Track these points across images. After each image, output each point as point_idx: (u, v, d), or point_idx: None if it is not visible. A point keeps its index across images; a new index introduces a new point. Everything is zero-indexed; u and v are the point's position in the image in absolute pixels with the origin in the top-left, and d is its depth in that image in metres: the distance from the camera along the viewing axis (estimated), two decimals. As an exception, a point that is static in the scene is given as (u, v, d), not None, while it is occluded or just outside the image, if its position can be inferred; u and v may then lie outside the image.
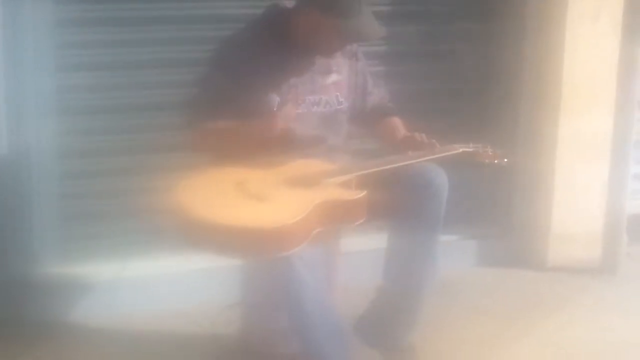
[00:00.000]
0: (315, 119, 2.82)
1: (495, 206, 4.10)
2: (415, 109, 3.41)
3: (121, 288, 3.41)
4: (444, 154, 2.76)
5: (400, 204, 2.76)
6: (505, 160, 2.90)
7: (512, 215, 4.09)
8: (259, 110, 2.70)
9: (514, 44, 3.91)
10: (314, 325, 2.61)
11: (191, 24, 3.48)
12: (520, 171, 3.92)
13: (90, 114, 3.44)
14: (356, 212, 2.58)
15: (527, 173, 3.97)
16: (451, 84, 3.98)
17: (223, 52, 2.79)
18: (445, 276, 3.20)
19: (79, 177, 3.47)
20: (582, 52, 3.77)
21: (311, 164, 2.70)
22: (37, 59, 3.30)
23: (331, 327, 2.64)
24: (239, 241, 2.38)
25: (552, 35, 3.80)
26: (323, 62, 2.84)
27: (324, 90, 2.83)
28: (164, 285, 3.45)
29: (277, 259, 2.43)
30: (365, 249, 3.51)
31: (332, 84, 2.86)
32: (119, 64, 3.44)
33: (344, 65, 2.90)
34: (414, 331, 2.94)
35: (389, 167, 2.69)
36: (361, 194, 2.57)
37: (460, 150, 2.82)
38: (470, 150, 2.85)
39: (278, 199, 2.51)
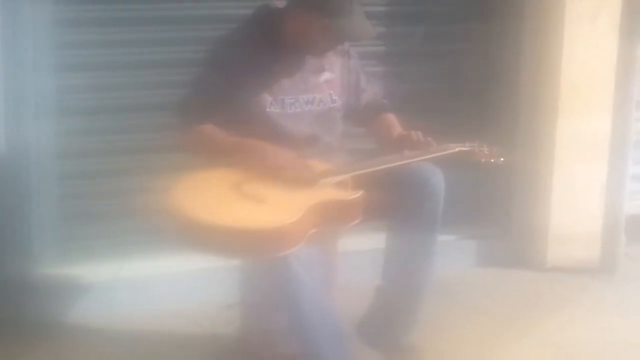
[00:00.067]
0: (309, 117, 2.81)
1: (494, 206, 4.10)
2: (414, 108, 3.42)
3: (120, 288, 3.41)
4: (440, 154, 2.76)
5: (397, 204, 2.76)
6: (502, 159, 2.90)
7: (511, 216, 4.09)
8: (251, 110, 2.71)
9: (513, 44, 3.91)
10: (312, 325, 2.61)
11: (191, 25, 3.48)
12: (519, 171, 3.92)
13: (90, 114, 3.44)
14: (352, 212, 2.58)
15: (526, 173, 3.97)
16: (449, 84, 3.98)
17: (214, 52, 2.79)
18: (444, 276, 3.20)
19: (78, 177, 3.47)
20: (581, 53, 3.77)
21: (307, 164, 2.70)
22: (37, 59, 3.30)
23: (329, 327, 2.63)
24: (236, 242, 2.38)
25: (550, 35, 3.80)
26: (315, 61, 2.83)
27: (316, 89, 2.83)
28: (163, 285, 3.45)
29: (274, 260, 2.43)
30: (363, 249, 3.51)
31: (324, 83, 2.85)
32: (118, 64, 3.44)
33: (336, 63, 2.89)
34: (415, 330, 2.94)
35: (385, 167, 2.69)
36: (357, 195, 2.57)
37: (457, 149, 2.81)
38: (467, 149, 2.85)
39: (274, 200, 2.51)
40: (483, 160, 2.87)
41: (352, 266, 3.28)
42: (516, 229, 4.07)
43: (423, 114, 3.33)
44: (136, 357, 3.12)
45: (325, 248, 2.82)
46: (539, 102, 3.90)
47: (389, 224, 2.87)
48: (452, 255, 3.70)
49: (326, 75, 2.86)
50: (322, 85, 2.84)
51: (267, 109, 2.73)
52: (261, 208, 2.47)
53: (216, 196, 2.52)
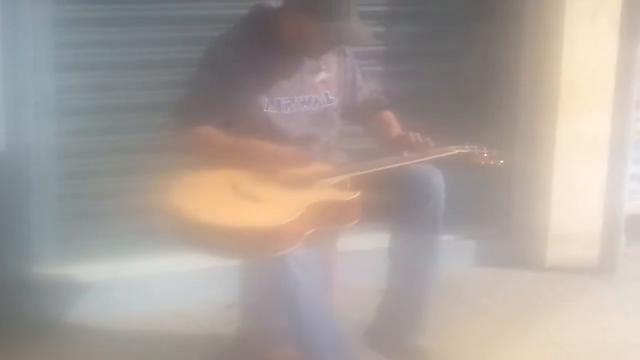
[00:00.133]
0: (305, 118, 2.81)
1: (493, 206, 4.10)
2: (413, 108, 3.42)
3: (120, 288, 3.40)
4: (439, 156, 2.76)
5: (398, 206, 2.76)
6: (501, 161, 2.90)
7: (511, 216, 4.09)
8: (248, 111, 2.71)
9: (512, 43, 3.91)
10: (310, 325, 2.60)
11: (190, 25, 3.48)
12: (518, 171, 3.92)
13: (89, 114, 3.44)
14: (350, 213, 2.57)
15: (526, 173, 3.97)
16: (449, 84, 3.98)
17: (210, 53, 2.78)
18: (444, 276, 3.19)
19: (78, 177, 3.47)
20: (581, 52, 3.77)
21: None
22: (36, 59, 3.29)
23: (327, 327, 2.63)
24: (233, 241, 2.38)
25: (550, 35, 3.80)
26: (311, 61, 2.82)
27: (312, 89, 2.82)
28: (162, 285, 3.44)
29: (272, 259, 2.43)
30: (363, 249, 3.51)
31: (320, 82, 2.84)
32: (118, 64, 3.44)
33: (332, 63, 2.88)
34: (423, 333, 2.93)
35: (383, 168, 2.70)
36: (355, 195, 2.56)
37: (456, 151, 2.82)
38: (466, 151, 2.85)
39: (272, 200, 2.51)
40: (482, 162, 2.88)
41: (352, 266, 3.28)
42: (516, 229, 4.07)
43: (422, 113, 3.34)
44: (135, 357, 3.12)
45: (324, 248, 2.81)
46: (538, 102, 3.90)
47: (392, 227, 2.87)
48: (451, 256, 3.67)
49: (322, 75, 2.85)
50: (318, 85, 2.84)
51: (264, 110, 2.73)
52: (259, 207, 2.47)
53: (214, 196, 2.53)
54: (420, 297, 2.87)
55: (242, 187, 2.55)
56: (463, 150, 2.84)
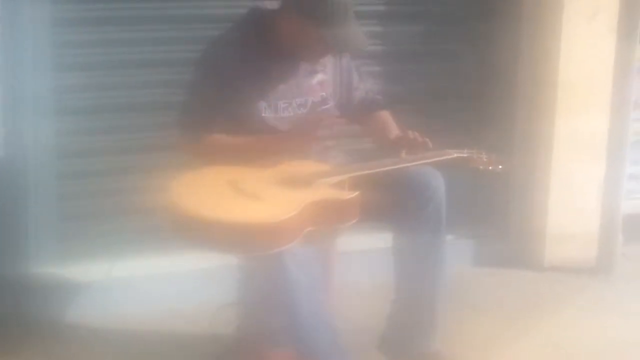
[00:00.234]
0: (302, 120, 2.80)
1: (491, 206, 4.10)
2: (411, 108, 3.43)
3: (119, 287, 3.40)
4: (438, 159, 2.76)
5: (398, 209, 2.75)
6: (500, 167, 2.89)
7: (509, 216, 4.10)
8: (247, 116, 2.72)
9: (510, 43, 3.92)
10: (306, 324, 2.60)
11: (189, 24, 3.48)
12: (516, 171, 3.92)
13: (88, 114, 3.44)
14: (348, 212, 2.57)
15: (524, 173, 3.97)
16: (447, 84, 3.98)
17: (207, 60, 2.77)
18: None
19: (77, 176, 3.47)
20: (579, 52, 3.77)
21: (305, 164, 2.71)
22: (35, 59, 3.30)
23: (324, 326, 2.63)
24: (230, 236, 2.39)
25: (548, 35, 3.80)
26: (308, 64, 2.82)
27: (309, 91, 2.82)
28: (161, 284, 3.44)
29: (270, 258, 2.43)
30: (362, 249, 3.52)
31: (317, 84, 2.84)
32: (117, 63, 3.44)
33: (328, 64, 2.88)
34: (438, 335, 2.91)
35: (382, 169, 2.70)
36: (353, 195, 2.57)
37: (455, 155, 2.81)
38: (465, 155, 2.85)
39: (270, 197, 2.52)
40: (481, 167, 2.87)
41: (352, 266, 3.28)
42: (514, 229, 4.08)
43: (420, 112, 3.35)
44: (134, 356, 3.12)
45: (323, 248, 2.81)
46: (536, 102, 3.90)
47: (394, 230, 2.85)
48: (449, 256, 3.69)
49: (319, 77, 2.85)
50: (315, 87, 2.84)
51: (263, 114, 2.74)
52: (257, 204, 2.48)
53: (213, 192, 2.54)
54: (431, 301, 2.84)
55: (241, 184, 2.56)
56: (462, 155, 2.84)
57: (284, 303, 2.58)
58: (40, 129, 3.35)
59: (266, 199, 2.51)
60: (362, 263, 3.55)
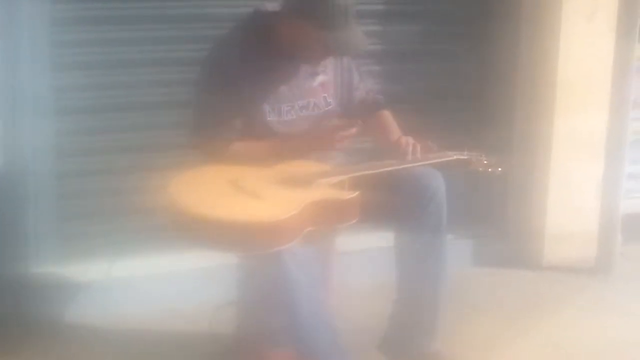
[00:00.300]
0: (305, 122, 2.81)
1: (490, 206, 4.11)
2: (411, 108, 3.43)
3: (119, 287, 3.40)
4: (437, 160, 2.77)
5: (398, 209, 2.75)
6: (500, 169, 2.90)
7: (508, 215, 4.10)
8: (252, 120, 2.73)
9: (509, 43, 3.92)
10: (305, 323, 2.60)
11: (188, 23, 3.48)
12: (515, 171, 3.92)
13: (87, 113, 3.44)
14: (348, 212, 2.58)
15: (523, 172, 3.97)
16: (446, 84, 3.98)
17: (210, 62, 2.77)
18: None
19: (76, 176, 3.47)
20: (577, 51, 3.78)
21: (305, 164, 2.72)
22: (34, 58, 3.30)
23: (323, 325, 2.63)
24: (230, 234, 2.40)
25: (547, 34, 3.81)
26: (310, 66, 2.82)
27: (311, 93, 2.83)
28: (161, 284, 3.44)
29: (269, 257, 2.44)
30: (362, 249, 3.52)
31: (319, 86, 2.85)
32: (116, 62, 3.44)
33: (329, 65, 2.88)
34: (438, 335, 2.91)
35: (382, 170, 2.70)
36: (353, 195, 2.57)
37: (454, 157, 2.82)
38: (465, 157, 2.86)
39: (270, 196, 2.52)
40: (481, 169, 2.88)
41: (351, 266, 3.28)
42: (513, 229, 4.08)
43: (420, 112, 3.35)
44: (134, 356, 3.12)
45: (323, 247, 2.82)
46: (535, 101, 3.90)
47: (395, 231, 2.85)
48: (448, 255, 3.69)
49: (320, 78, 2.86)
50: (317, 89, 2.85)
51: (267, 118, 2.74)
52: (257, 203, 2.49)
53: (213, 191, 2.55)
54: (433, 300, 2.84)
55: (241, 182, 2.57)
56: (462, 157, 2.84)
57: (284, 303, 2.58)
58: (40, 128, 3.34)
59: (266, 198, 2.51)
60: (361, 263, 3.55)
